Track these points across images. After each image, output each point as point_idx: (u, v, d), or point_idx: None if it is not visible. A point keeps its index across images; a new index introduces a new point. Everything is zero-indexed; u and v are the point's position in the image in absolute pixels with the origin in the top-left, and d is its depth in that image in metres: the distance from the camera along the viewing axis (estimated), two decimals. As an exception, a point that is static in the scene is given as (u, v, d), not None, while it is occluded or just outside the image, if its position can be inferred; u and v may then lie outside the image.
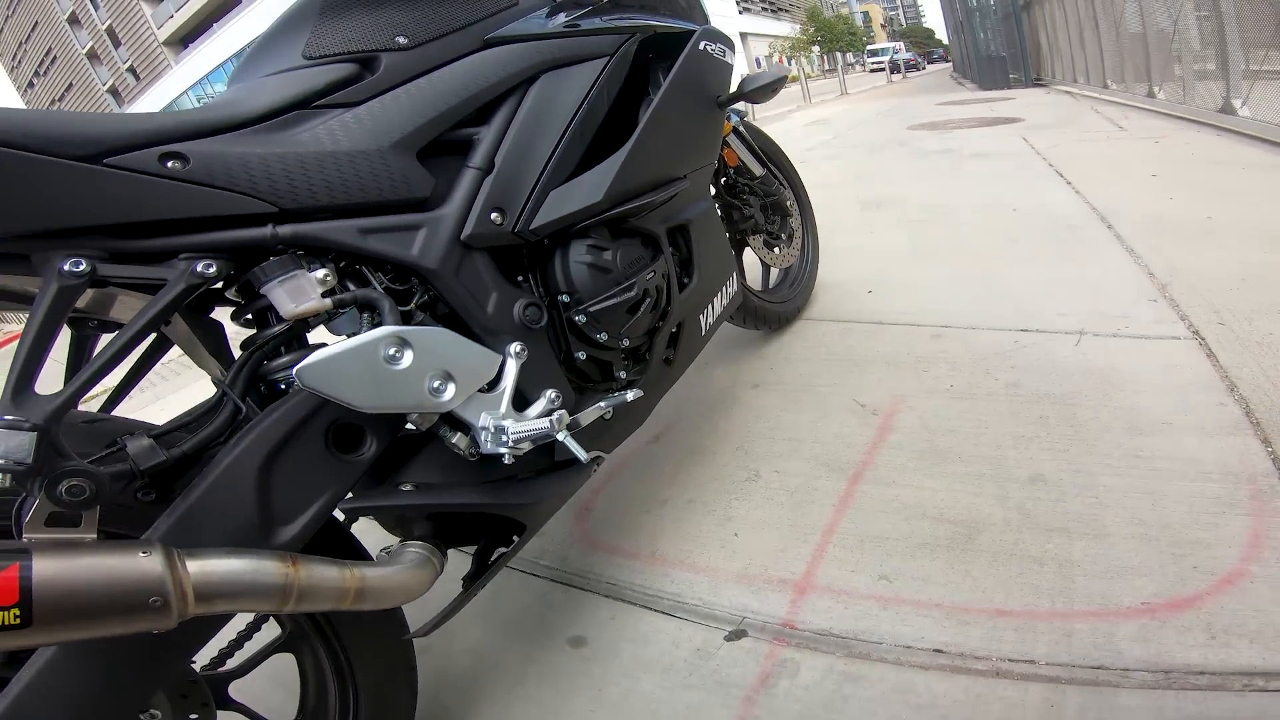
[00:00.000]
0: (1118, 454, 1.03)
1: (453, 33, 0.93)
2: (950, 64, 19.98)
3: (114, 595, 0.53)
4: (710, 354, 1.61)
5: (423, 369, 0.71)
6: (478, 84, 0.90)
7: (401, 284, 0.78)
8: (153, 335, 0.68)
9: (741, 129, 1.60)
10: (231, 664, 0.72)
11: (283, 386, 0.70)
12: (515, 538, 0.83)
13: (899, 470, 1.07)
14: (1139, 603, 0.79)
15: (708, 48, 1.24)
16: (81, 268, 0.61)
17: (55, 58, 42.22)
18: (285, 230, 0.70)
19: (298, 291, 0.68)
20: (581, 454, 0.78)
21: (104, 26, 36.71)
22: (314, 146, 0.76)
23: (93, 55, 39.68)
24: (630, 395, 0.88)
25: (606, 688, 0.86)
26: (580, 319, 0.91)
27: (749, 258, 1.56)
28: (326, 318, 0.71)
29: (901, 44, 48.62)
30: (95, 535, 0.57)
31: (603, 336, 0.93)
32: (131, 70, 37.61)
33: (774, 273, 1.75)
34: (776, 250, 1.64)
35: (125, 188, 0.65)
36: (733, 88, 1.34)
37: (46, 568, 0.51)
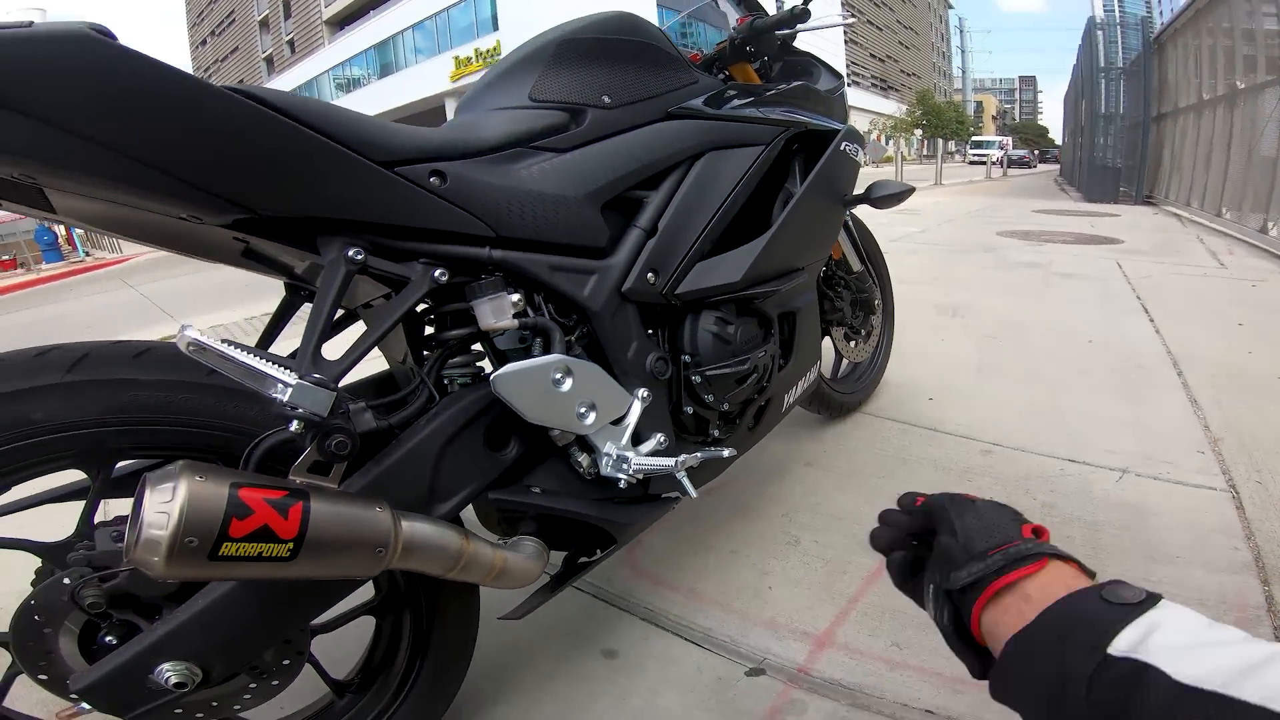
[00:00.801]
0: (1129, 575, 1.15)
1: (646, 100, 1.03)
2: (1059, 167, 19.69)
3: (355, 542, 0.62)
4: (778, 426, 1.80)
5: (576, 396, 0.82)
6: (658, 152, 1.01)
7: (563, 316, 0.88)
8: (398, 320, 0.74)
9: (850, 223, 1.71)
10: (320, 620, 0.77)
11: (445, 382, 0.82)
12: (599, 551, 0.96)
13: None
14: None
15: (847, 148, 1.35)
16: (360, 257, 0.70)
17: (234, 20, 46.00)
18: (498, 254, 0.81)
19: (499, 310, 0.78)
20: (692, 491, 0.91)
21: (284, -3, 39.58)
22: (529, 185, 0.85)
23: (264, 23, 43.00)
24: (726, 453, 1.01)
25: (630, 697, 0.98)
26: (696, 379, 1.02)
27: (826, 346, 1.67)
28: (503, 334, 0.81)
29: (1010, 139, 47.82)
30: (338, 486, 0.65)
31: (710, 398, 1.04)
32: (290, 43, 40.43)
33: (845, 363, 1.88)
34: (853, 344, 1.76)
35: (404, 195, 0.74)
36: (859, 188, 1.44)
37: (321, 510, 0.59)
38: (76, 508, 0.68)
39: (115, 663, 0.62)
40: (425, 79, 27.86)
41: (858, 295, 1.71)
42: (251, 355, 0.59)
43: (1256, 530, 1.27)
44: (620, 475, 0.86)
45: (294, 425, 0.60)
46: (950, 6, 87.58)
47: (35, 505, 0.71)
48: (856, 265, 1.72)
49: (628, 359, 0.93)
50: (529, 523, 0.89)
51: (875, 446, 1.68)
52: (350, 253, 0.69)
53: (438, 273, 0.75)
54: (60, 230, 12.59)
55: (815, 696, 0.96)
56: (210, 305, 4.37)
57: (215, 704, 0.70)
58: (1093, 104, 10.39)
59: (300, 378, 0.60)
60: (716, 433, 1.11)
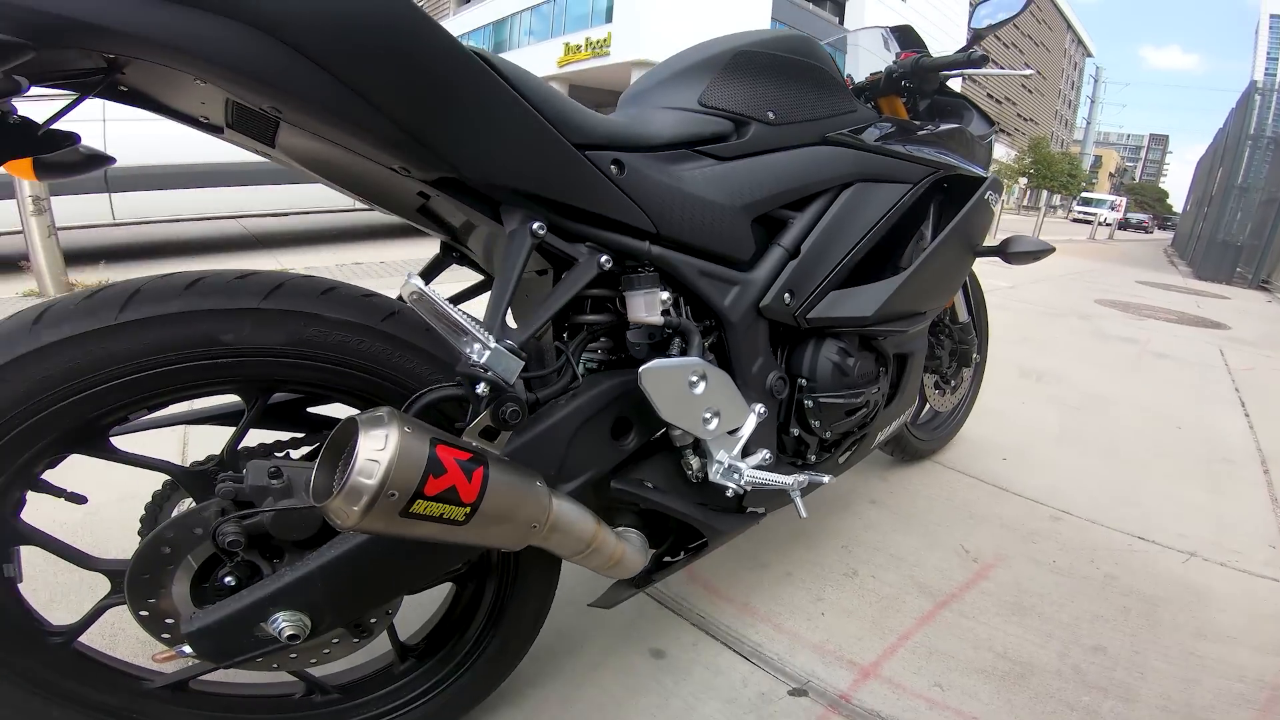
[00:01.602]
0: (1177, 649, 1.20)
1: (807, 121, 1.03)
2: (1172, 236, 18.55)
3: (519, 513, 0.63)
4: None
5: (706, 400, 0.83)
6: (811, 175, 1.02)
7: (699, 321, 0.91)
8: (570, 299, 0.75)
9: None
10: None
11: (569, 367, 0.81)
12: (684, 553, 0.99)
13: (981, 610, 1.28)
14: None
15: (989, 197, 1.34)
16: (543, 231, 0.70)
17: None
18: (656, 250, 0.83)
19: (650, 305, 0.81)
20: (803, 511, 0.94)
21: (419, -38, 41.99)
22: (691, 187, 0.87)
23: None
24: (826, 478, 1.00)
25: (672, 699, 1.01)
26: (808, 403, 1.03)
27: None
28: (641, 329, 0.84)
29: (1124, 199, 45.17)
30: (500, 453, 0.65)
31: (817, 424, 1.06)
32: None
33: (926, 409, 1.88)
34: (940, 394, 1.77)
35: (588, 178, 0.75)
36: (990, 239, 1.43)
37: (497, 478, 0.60)
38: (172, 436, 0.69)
39: (234, 607, 0.62)
40: (533, 61, 28.45)
41: (958, 346, 1.71)
42: (460, 313, 0.62)
43: (1315, 627, 1.28)
44: (730, 484, 0.88)
45: (481, 387, 0.62)
46: (1089, 54, 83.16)
47: (176, 424, 0.76)
48: (964, 316, 1.73)
49: (751, 373, 0.96)
50: (628, 515, 0.90)
51: (942, 495, 1.72)
52: (535, 226, 0.71)
53: (604, 259, 0.77)
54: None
55: None
56: (310, 240, 4.68)
57: (295, 657, 0.71)
58: (1230, 172, 9.68)
59: (497, 342, 0.62)
60: (812, 458, 1.12)
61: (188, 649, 0.62)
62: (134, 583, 0.64)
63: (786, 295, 0.98)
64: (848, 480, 1.76)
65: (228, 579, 0.65)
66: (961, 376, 1.81)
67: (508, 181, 0.69)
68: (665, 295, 0.83)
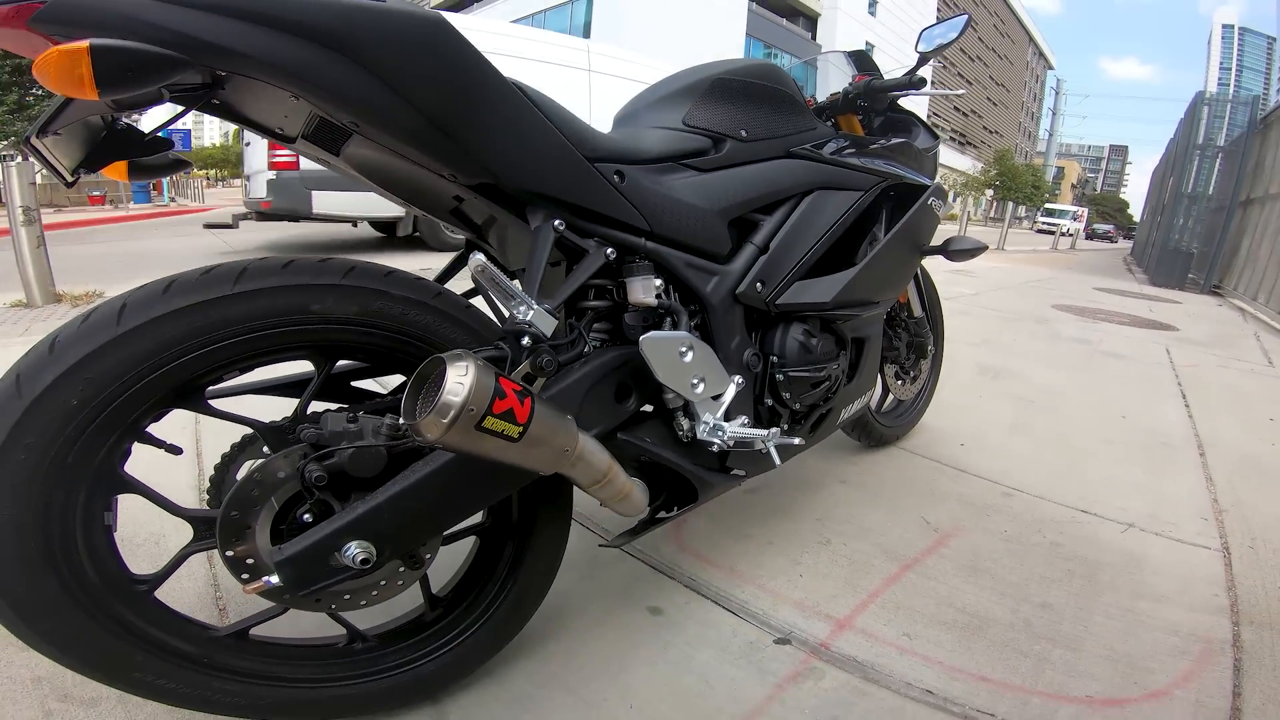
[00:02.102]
0: (1116, 607, 1.35)
1: (774, 138, 1.20)
2: (1131, 245, 19.24)
3: (556, 438, 0.74)
4: (817, 446, 1.99)
5: (694, 368, 0.98)
6: (779, 184, 1.19)
7: (685, 304, 1.05)
8: (582, 282, 0.90)
9: (919, 273, 1.89)
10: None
11: (581, 339, 0.95)
12: (676, 508, 1.12)
13: (942, 572, 1.43)
14: (1084, 695, 1.10)
15: (933, 202, 1.52)
16: (563, 228, 0.85)
17: None
18: (650, 245, 0.99)
19: (646, 289, 0.96)
20: (778, 460, 1.09)
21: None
22: (678, 194, 1.03)
23: None
24: (796, 440, 1.18)
25: (670, 650, 1.13)
26: (779, 377, 1.19)
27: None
28: (638, 311, 0.99)
29: (1086, 210, 46.47)
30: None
31: (787, 395, 1.20)
32: None
33: (890, 399, 2.06)
34: (901, 383, 1.94)
35: (597, 185, 0.90)
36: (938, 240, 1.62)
37: (541, 408, 0.72)
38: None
39: (315, 537, 0.72)
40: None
41: (914, 338, 1.89)
42: (512, 284, 0.78)
43: (1239, 583, 1.45)
44: (715, 440, 1.02)
45: (525, 339, 0.77)
46: (1050, 67, 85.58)
47: (257, 393, 0.88)
48: (918, 311, 1.91)
49: (730, 348, 1.11)
50: (631, 469, 1.01)
51: (906, 476, 1.88)
52: (556, 223, 0.87)
53: (609, 251, 0.93)
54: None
55: (832, 668, 1.13)
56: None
57: (348, 597, 0.82)
58: (1180, 182, 10.04)
59: (538, 305, 0.78)
60: (785, 427, 1.27)
61: (274, 578, 0.71)
62: (225, 522, 0.74)
63: (758, 284, 1.14)
64: (821, 463, 1.92)
65: (306, 516, 0.76)
66: (920, 368, 1.99)
67: (535, 187, 0.85)
68: (658, 282, 0.98)
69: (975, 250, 1.67)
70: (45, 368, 0.64)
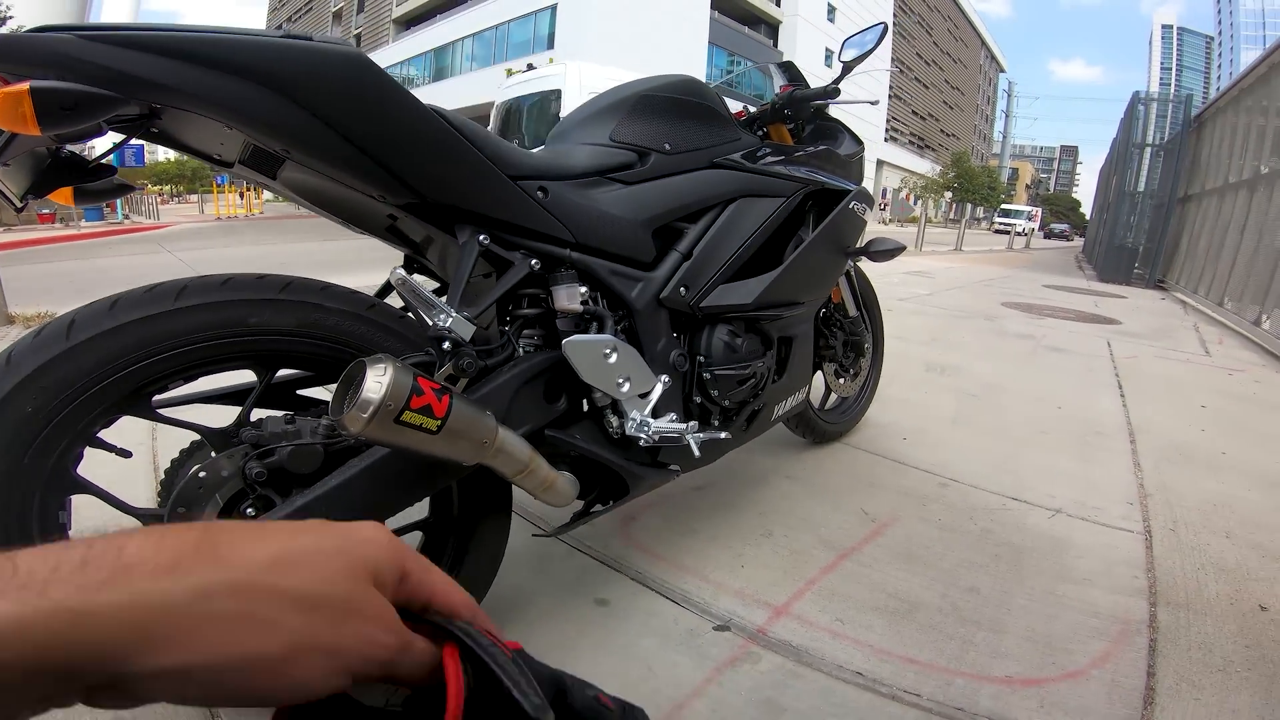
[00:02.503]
0: (1040, 590, 1.41)
1: (697, 149, 1.25)
2: (1082, 243, 19.88)
3: (474, 432, 0.79)
4: (761, 441, 2.05)
5: (618, 369, 1.03)
6: (702, 193, 1.24)
7: (613, 310, 1.11)
8: (505, 292, 0.97)
9: (852, 274, 1.94)
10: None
11: (510, 344, 1.00)
12: (612, 502, 1.17)
13: (877, 560, 1.49)
14: (1004, 675, 1.16)
15: (855, 206, 1.58)
16: (487, 241, 0.91)
17: (311, 8, 47.50)
18: (575, 255, 1.04)
19: (571, 296, 1.02)
20: (697, 451, 1.13)
21: (358, -10, 40.43)
22: (603, 207, 1.08)
23: (337, 15, 44.24)
24: (723, 435, 1.23)
25: (615, 636, 1.19)
26: (706, 375, 1.23)
27: (817, 379, 1.92)
28: (567, 316, 1.03)
29: (1040, 210, 47.73)
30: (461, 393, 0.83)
31: (715, 393, 1.25)
32: (357, 37, 41.28)
33: (833, 397, 2.13)
34: (842, 381, 1.99)
35: (521, 201, 0.96)
36: (862, 241, 1.68)
37: (459, 404, 0.76)
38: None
39: None
40: (475, 87, 28.55)
41: (850, 337, 1.95)
42: (431, 294, 0.84)
43: (1159, 565, 1.53)
44: (641, 435, 1.08)
45: (446, 344, 0.83)
46: (1002, 70, 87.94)
47: (204, 402, 0.91)
48: (853, 311, 1.97)
49: (657, 349, 1.16)
50: (564, 463, 1.07)
51: (848, 470, 1.95)
52: (481, 238, 0.93)
53: (534, 262, 0.99)
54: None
55: (768, 652, 1.18)
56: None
57: None
58: (1122, 180, 10.38)
59: (457, 312, 0.85)
60: (716, 423, 1.32)
61: None
62: (173, 519, 0.79)
63: (682, 289, 1.19)
64: (767, 460, 1.98)
65: (249, 511, 0.81)
66: (860, 366, 2.05)
67: (458, 204, 0.91)
68: (583, 289, 1.04)
69: (895, 250, 1.75)
70: (3, 378, 0.69)
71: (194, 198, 28.26)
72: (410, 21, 36.33)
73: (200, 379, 0.84)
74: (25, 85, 0.59)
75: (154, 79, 0.66)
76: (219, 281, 0.79)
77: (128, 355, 0.73)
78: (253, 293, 0.80)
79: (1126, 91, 10.45)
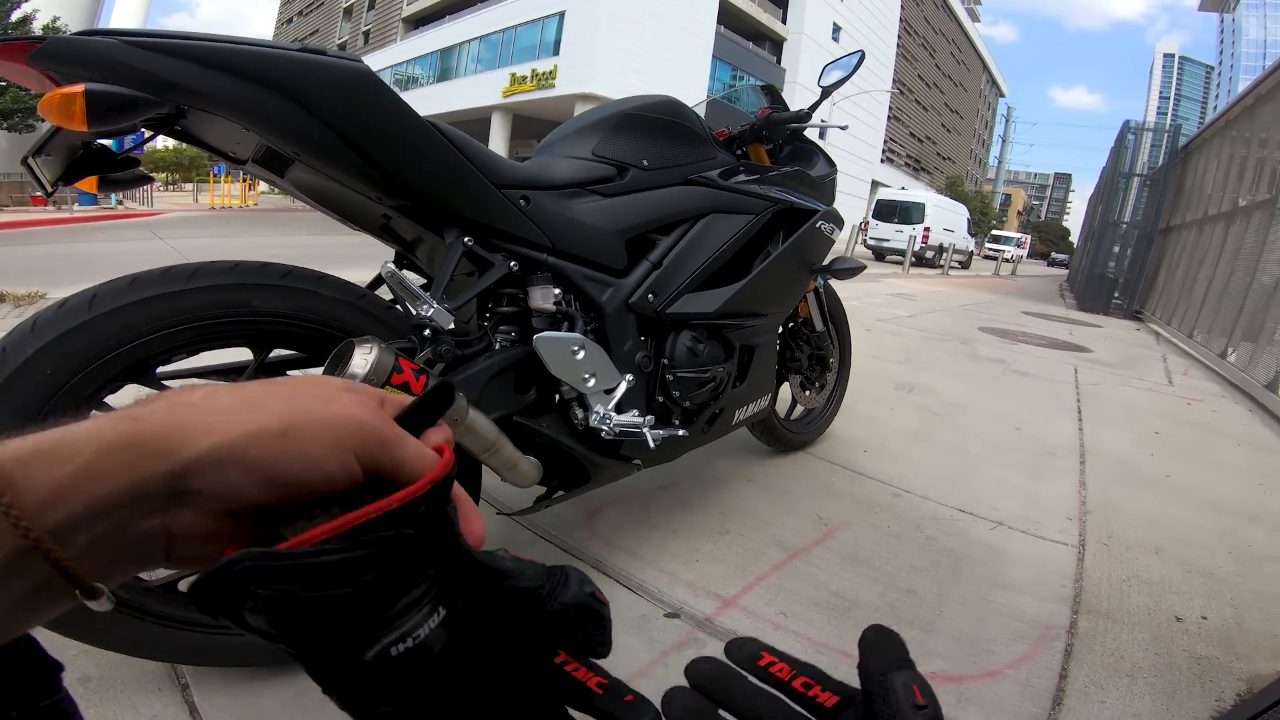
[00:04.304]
0: (973, 594, 1.52)
1: (673, 167, 1.33)
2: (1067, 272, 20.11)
3: (451, 411, 0.86)
4: (727, 446, 2.16)
5: (585, 365, 1.11)
6: (675, 208, 1.32)
7: (585, 311, 1.19)
8: (484, 289, 1.06)
9: (820, 291, 2.01)
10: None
11: (487, 337, 1.08)
12: (575, 489, 1.25)
13: (824, 561, 1.59)
14: (928, 671, 1.23)
15: (822, 226, 1.65)
16: (471, 243, 1.00)
17: (323, 3, 47.60)
18: (551, 260, 1.12)
19: (545, 297, 1.11)
20: (652, 443, 1.22)
21: (370, -13, 40.59)
22: (581, 217, 1.16)
23: (348, 11, 44.33)
24: (681, 432, 1.33)
25: None
26: (669, 377, 1.31)
27: (784, 391, 2.03)
28: (541, 315, 1.11)
29: (1029, 237, 48.16)
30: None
31: (677, 394, 1.33)
32: (365, 34, 41.56)
33: (798, 409, 2.22)
34: (807, 393, 2.08)
35: (503, 208, 1.04)
36: (828, 259, 1.77)
37: (432, 383, 0.80)
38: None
39: None
40: (479, 89, 28.72)
41: (815, 351, 2.05)
42: (416, 287, 0.94)
43: (1086, 576, 1.64)
44: (604, 427, 1.17)
45: (427, 331, 0.92)
46: (1002, 94, 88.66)
47: (201, 376, 0.98)
48: (819, 326, 2.06)
49: (623, 350, 1.24)
50: (533, 449, 1.14)
51: (808, 477, 2.05)
52: (465, 240, 1.01)
53: (513, 264, 1.08)
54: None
55: (713, 639, 1.26)
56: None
57: None
58: (1108, 210, 10.51)
59: (438, 304, 0.94)
60: (678, 423, 1.40)
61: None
62: None
63: (650, 295, 1.28)
64: (731, 465, 2.08)
65: None
66: (825, 379, 2.15)
67: (446, 207, 1.01)
68: (557, 291, 1.13)
69: (855, 270, 1.86)
70: (28, 341, 0.76)
71: (189, 186, 28.14)
72: (419, 21, 36.52)
73: (201, 354, 0.92)
74: (80, 87, 0.67)
75: (188, 84, 0.75)
76: (227, 266, 0.88)
77: (142, 328, 0.81)
78: (257, 278, 0.88)
79: (1124, 119, 10.46)
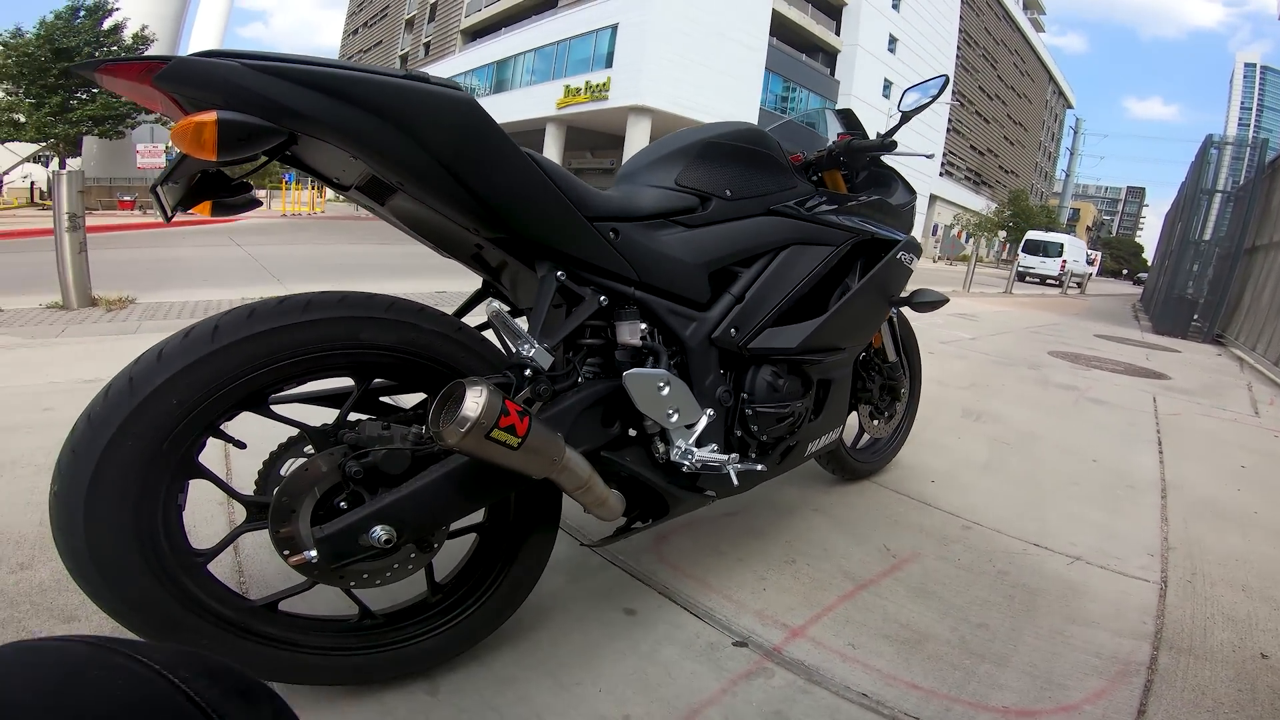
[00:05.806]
0: (1048, 629, 1.48)
1: (755, 196, 1.31)
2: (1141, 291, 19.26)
3: (547, 450, 0.87)
4: (794, 474, 2.14)
5: (670, 401, 1.11)
6: (757, 240, 1.31)
7: (668, 345, 1.19)
8: (579, 324, 1.07)
9: (894, 319, 1.99)
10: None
11: (575, 371, 1.10)
12: (652, 520, 1.25)
13: (893, 593, 1.57)
14: (1001, 706, 1.23)
15: (902, 257, 1.62)
16: (564, 277, 1.01)
17: (386, 15, 49.06)
18: (638, 294, 1.13)
19: (632, 332, 1.11)
20: (735, 480, 1.22)
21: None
22: (667, 249, 1.16)
23: (410, 23, 45.47)
24: (760, 467, 1.30)
25: (641, 643, 1.27)
26: (749, 412, 1.30)
27: (851, 419, 1.98)
28: (627, 350, 1.12)
29: (1099, 254, 45.45)
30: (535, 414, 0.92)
31: (755, 428, 1.32)
32: (426, 45, 42.56)
33: (865, 437, 2.19)
34: (876, 423, 2.04)
35: (595, 241, 1.04)
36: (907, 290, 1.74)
37: (537, 425, 0.85)
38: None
39: (350, 519, 0.87)
40: (532, 101, 29.19)
41: (887, 381, 2.01)
42: (520, 326, 0.96)
43: (1170, 613, 1.57)
44: (685, 462, 1.17)
45: (527, 371, 0.94)
46: (1070, 106, 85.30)
47: (309, 403, 1.02)
48: (892, 356, 2.03)
49: (705, 385, 1.24)
50: (615, 482, 1.15)
51: (875, 507, 2.03)
52: (559, 274, 1.03)
53: (602, 298, 1.09)
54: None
55: (781, 669, 1.25)
56: (305, 274, 4.97)
57: (366, 575, 0.95)
58: (1187, 227, 9.96)
59: (539, 344, 0.96)
60: (754, 456, 1.39)
61: (313, 553, 0.87)
62: (277, 506, 0.89)
63: (732, 330, 1.27)
64: (798, 492, 2.07)
65: (341, 504, 0.92)
66: (895, 409, 2.11)
67: (543, 241, 1.02)
68: (643, 326, 1.13)
69: (938, 303, 1.82)
70: (155, 372, 0.82)
71: (261, 193, 29.49)
72: (477, 33, 37.26)
73: (308, 382, 0.96)
74: (213, 115, 0.68)
75: (306, 111, 0.77)
76: (337, 299, 0.92)
77: (262, 360, 0.85)
78: (365, 311, 0.92)
79: (1202, 131, 9.83)
